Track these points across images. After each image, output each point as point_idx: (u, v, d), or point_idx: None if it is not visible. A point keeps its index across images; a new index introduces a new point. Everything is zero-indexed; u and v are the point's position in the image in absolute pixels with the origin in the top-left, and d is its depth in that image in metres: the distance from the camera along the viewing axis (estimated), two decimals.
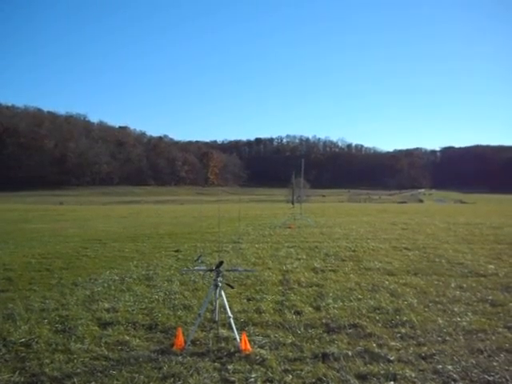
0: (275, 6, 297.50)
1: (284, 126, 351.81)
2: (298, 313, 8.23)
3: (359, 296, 9.34)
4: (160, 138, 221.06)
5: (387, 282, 10.62)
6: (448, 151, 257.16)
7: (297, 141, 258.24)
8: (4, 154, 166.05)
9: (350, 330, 7.26)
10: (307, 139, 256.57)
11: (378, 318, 7.85)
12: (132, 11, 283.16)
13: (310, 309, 8.47)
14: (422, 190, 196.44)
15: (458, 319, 7.72)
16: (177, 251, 16.62)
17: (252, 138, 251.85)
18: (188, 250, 16.87)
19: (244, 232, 23.51)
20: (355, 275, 11.60)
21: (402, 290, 9.88)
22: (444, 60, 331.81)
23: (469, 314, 8.04)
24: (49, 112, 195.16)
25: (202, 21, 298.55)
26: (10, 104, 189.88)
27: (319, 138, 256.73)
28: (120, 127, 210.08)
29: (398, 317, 7.86)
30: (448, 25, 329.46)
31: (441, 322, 7.60)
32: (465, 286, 10.24)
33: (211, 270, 7.00)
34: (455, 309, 8.34)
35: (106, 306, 8.75)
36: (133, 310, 8.47)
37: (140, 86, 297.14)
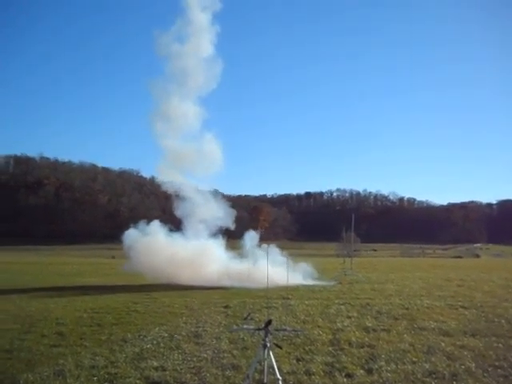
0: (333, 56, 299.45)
1: (334, 180, 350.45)
2: (349, 375, 7.97)
3: (413, 358, 8.97)
4: (210, 192, 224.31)
5: (443, 344, 10.18)
6: (505, 204, 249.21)
7: (347, 194, 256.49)
8: (59, 209, 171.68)
9: None
10: (358, 193, 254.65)
11: (433, 383, 7.51)
12: None
13: (361, 371, 8.19)
14: (479, 245, 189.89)
15: None
16: (226, 307, 16.54)
17: (302, 192, 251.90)
18: (237, 306, 16.76)
19: (293, 287, 23.21)
20: (409, 335, 11.19)
21: (459, 352, 9.45)
22: (499, 111, 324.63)
23: None
24: (103, 168, 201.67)
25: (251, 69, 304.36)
26: (66, 160, 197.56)
27: (370, 192, 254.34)
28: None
29: (454, 382, 7.50)
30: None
31: None
32: None
33: (259, 330, 6.90)
34: None
35: (155, 364, 8.72)
36: (181, 369, 8.41)
37: None
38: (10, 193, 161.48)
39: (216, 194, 34.04)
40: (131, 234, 29.28)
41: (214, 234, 29.96)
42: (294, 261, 29.61)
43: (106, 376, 8.02)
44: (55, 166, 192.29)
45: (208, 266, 27.43)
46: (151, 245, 28.00)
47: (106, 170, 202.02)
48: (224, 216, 30.19)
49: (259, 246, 30.30)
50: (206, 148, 30.86)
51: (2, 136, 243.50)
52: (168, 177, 31.21)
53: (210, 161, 30.95)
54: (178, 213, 30.10)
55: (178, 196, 30.65)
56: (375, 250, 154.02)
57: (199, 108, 30.59)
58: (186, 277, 26.28)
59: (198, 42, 30.30)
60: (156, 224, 30.12)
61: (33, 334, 11.79)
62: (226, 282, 25.39)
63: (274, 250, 30.16)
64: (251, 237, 31.26)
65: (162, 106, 30.67)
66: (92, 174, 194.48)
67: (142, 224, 29.93)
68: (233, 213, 31.21)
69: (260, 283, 24.77)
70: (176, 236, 29.34)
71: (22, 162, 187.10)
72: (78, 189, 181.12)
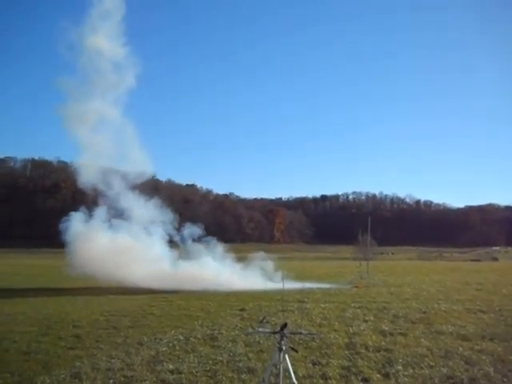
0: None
1: (350, 183, 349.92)
2: (365, 380, 7.90)
3: (431, 363, 8.86)
4: (226, 195, 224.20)
5: (461, 348, 10.05)
6: None
7: (363, 197, 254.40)
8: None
9: None
10: (374, 196, 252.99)
11: None
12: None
13: (378, 376, 8.11)
14: (497, 248, 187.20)
15: None
16: (242, 310, 16.54)
17: (317, 195, 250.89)
18: (253, 309, 16.74)
19: (309, 291, 23.12)
20: (426, 340, 11.06)
21: (478, 357, 9.31)
22: None
23: None
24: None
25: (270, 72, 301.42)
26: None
27: (386, 195, 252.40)
28: (187, 185, 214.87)
29: None
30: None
31: None
32: None
33: (275, 333, 6.86)
34: None
35: (171, 367, 8.73)
36: (197, 372, 8.41)
37: (207, 145, 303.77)
38: (27, 196, 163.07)
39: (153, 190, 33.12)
40: (72, 228, 28.14)
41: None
42: (242, 260, 29.51)
43: (122, 379, 8.05)
44: (72, 169, 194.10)
45: (133, 265, 26.47)
46: (93, 243, 26.98)
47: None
48: (155, 212, 29.61)
49: (198, 241, 29.49)
50: (126, 145, 30.67)
51: (20, 140, 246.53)
52: (89, 173, 29.89)
53: (132, 158, 30.84)
54: (104, 210, 29.15)
55: (102, 194, 29.72)
56: (393, 254, 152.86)
57: (114, 103, 30.20)
58: (115, 276, 25.77)
59: (111, 36, 29.71)
60: (101, 213, 28.96)
61: (50, 336, 11.89)
62: (155, 284, 24.85)
63: (217, 247, 29.37)
64: (191, 232, 30.28)
65: (74, 104, 29.72)
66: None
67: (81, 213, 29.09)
68: (170, 212, 30.53)
69: (204, 285, 24.15)
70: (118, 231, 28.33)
71: (39, 165, 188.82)
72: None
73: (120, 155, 31.45)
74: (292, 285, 24.13)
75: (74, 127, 29.98)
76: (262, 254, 31.80)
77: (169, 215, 30.25)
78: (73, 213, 29.27)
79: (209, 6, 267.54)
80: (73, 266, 26.86)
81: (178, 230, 30.55)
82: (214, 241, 30.04)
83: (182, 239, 30.20)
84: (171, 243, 30.29)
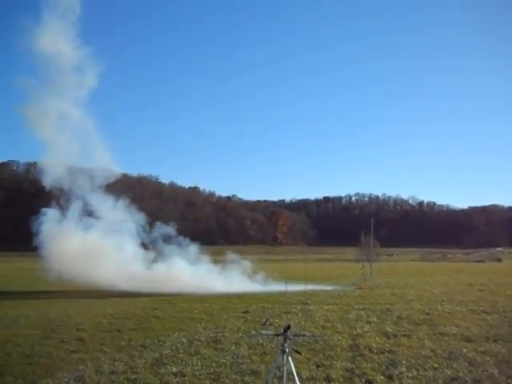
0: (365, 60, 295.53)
1: (353, 184, 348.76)
2: (369, 382, 7.88)
3: (435, 365, 8.83)
4: (229, 197, 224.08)
5: (465, 350, 10.02)
6: None
7: (366, 199, 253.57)
8: None
9: None
10: (377, 197, 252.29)
11: None
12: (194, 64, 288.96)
13: (381, 377, 8.09)
14: (500, 249, 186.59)
15: None
16: (245, 312, 16.53)
17: (320, 197, 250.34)
18: (256, 311, 16.74)
19: (312, 293, 23.07)
20: (430, 341, 11.03)
21: (482, 358, 9.28)
22: None
23: None
24: (122, 173, 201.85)
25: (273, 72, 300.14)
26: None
27: (389, 196, 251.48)
28: (190, 188, 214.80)
29: None
30: None
31: None
32: None
33: (278, 335, 6.85)
34: None
35: (174, 369, 8.71)
36: (200, 375, 8.39)
37: (209, 147, 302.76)
38: (30, 199, 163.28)
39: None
40: (45, 229, 27.66)
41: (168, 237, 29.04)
42: (220, 262, 29.31)
43: (126, 382, 8.04)
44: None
45: (104, 266, 26.36)
46: (65, 243, 26.69)
47: (124, 176, 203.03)
48: (125, 213, 29.35)
49: (170, 241, 29.14)
50: (89, 143, 30.78)
51: (22, 144, 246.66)
52: (54, 172, 29.45)
53: (97, 157, 31.46)
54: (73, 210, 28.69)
55: (69, 193, 29.33)
56: (397, 255, 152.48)
57: (75, 102, 30.01)
58: (89, 277, 25.50)
59: (67, 36, 29.37)
60: (72, 212, 28.52)
61: (53, 339, 11.88)
62: (123, 285, 24.84)
63: (189, 248, 28.88)
64: (164, 232, 29.91)
65: (35, 103, 29.57)
66: (111, 179, 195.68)
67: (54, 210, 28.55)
68: (139, 213, 30.20)
69: (177, 286, 24.08)
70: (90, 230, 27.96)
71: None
72: None
73: (84, 154, 31.89)
74: (295, 287, 24.02)
75: (35, 126, 29.95)
76: (236, 255, 31.67)
77: (139, 216, 29.98)
78: (45, 209, 28.94)
79: (209, 7, 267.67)
80: (48, 268, 26.34)
81: (150, 230, 30.28)
82: (186, 241, 29.68)
83: (153, 240, 29.84)
84: (143, 244, 29.85)
